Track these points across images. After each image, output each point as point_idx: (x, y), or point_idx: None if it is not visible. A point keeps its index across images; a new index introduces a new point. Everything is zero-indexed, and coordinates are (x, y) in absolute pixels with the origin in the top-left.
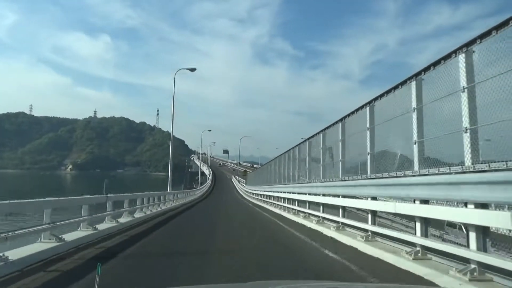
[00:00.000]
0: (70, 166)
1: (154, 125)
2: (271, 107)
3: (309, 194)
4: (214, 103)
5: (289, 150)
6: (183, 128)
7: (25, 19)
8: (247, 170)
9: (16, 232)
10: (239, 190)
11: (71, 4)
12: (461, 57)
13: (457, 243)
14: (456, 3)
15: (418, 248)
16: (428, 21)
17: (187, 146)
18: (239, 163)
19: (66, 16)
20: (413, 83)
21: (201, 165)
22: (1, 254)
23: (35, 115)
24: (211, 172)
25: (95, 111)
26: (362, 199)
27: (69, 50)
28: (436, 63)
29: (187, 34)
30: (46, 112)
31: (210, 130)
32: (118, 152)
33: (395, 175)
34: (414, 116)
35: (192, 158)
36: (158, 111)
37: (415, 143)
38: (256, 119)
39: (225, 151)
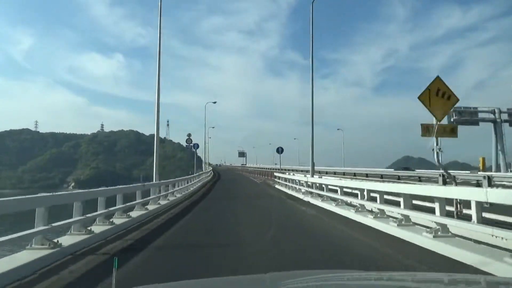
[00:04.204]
0: (73, 184)
1: (165, 137)
2: (283, 118)
3: None
4: (225, 116)
5: None
6: (195, 140)
7: (41, 42)
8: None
9: None
10: None
11: (85, 26)
12: None
13: None
14: (467, 4)
15: None
16: (439, 24)
17: (200, 157)
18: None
19: (81, 37)
20: None
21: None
22: None
23: (40, 131)
24: (211, 173)
25: (102, 125)
26: None
27: (84, 70)
28: None
29: (197, 49)
30: (54, 128)
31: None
32: (125, 166)
33: None
34: None
35: None
36: (168, 122)
37: None
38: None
39: (241, 154)
